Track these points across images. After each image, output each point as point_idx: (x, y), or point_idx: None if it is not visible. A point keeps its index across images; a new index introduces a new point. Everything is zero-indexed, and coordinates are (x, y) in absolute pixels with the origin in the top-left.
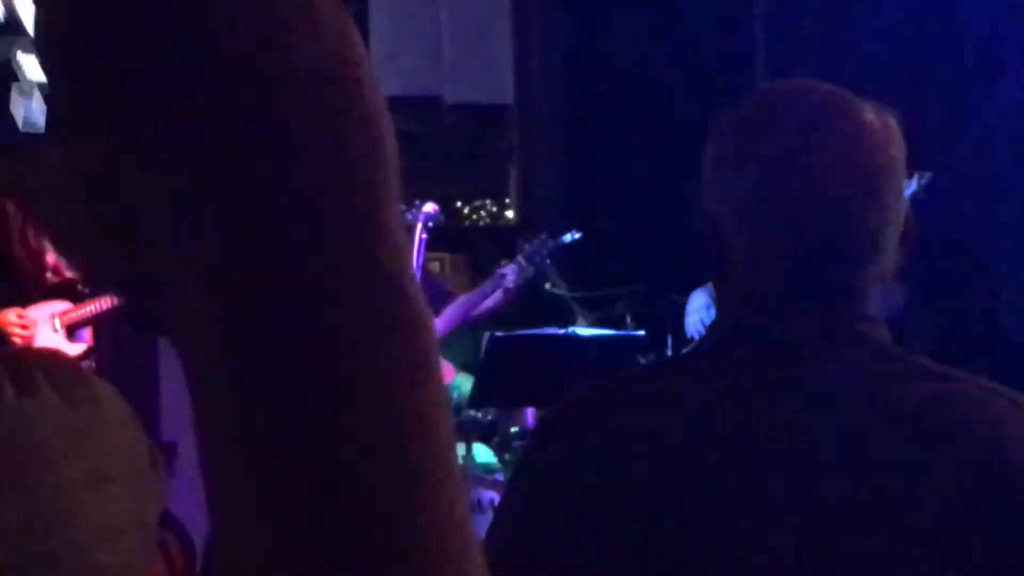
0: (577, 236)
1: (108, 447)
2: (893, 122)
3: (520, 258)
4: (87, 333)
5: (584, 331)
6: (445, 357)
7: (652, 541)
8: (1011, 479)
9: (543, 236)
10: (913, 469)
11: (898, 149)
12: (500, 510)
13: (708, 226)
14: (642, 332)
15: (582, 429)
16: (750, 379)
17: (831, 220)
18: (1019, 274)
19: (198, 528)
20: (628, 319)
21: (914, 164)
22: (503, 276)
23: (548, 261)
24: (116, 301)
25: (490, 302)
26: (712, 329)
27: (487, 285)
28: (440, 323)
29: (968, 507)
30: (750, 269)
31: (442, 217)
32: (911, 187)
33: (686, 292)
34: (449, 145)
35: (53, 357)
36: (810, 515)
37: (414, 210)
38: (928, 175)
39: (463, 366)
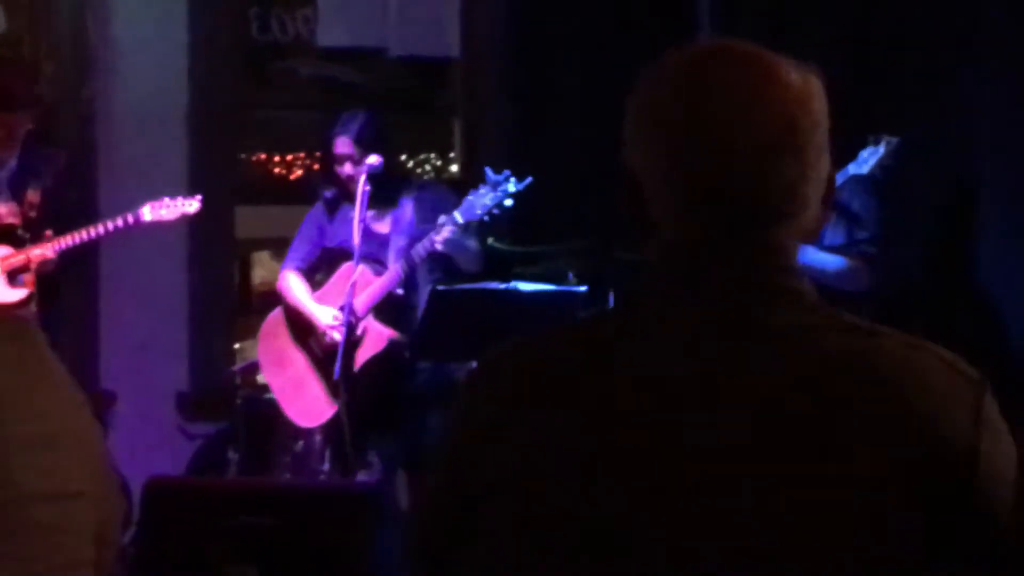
0: (521, 186)
1: (54, 411)
2: (816, 80)
3: (456, 214)
4: (27, 279)
5: (526, 286)
6: (382, 321)
7: (578, 496)
8: (932, 433)
9: (483, 189)
10: (837, 421)
11: (820, 106)
12: (429, 468)
13: (628, 183)
14: (584, 288)
15: (509, 384)
16: (676, 334)
17: (747, 177)
18: (995, 240)
19: (133, 473)
20: (571, 275)
21: (882, 129)
22: (432, 239)
23: (487, 218)
24: (53, 248)
25: (414, 259)
26: (637, 284)
27: (419, 248)
28: (374, 293)
29: (890, 461)
30: (670, 225)
31: (384, 170)
32: (877, 152)
33: (629, 249)
34: (393, 97)
35: (7, 317)
36: (735, 467)
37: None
38: (895, 140)
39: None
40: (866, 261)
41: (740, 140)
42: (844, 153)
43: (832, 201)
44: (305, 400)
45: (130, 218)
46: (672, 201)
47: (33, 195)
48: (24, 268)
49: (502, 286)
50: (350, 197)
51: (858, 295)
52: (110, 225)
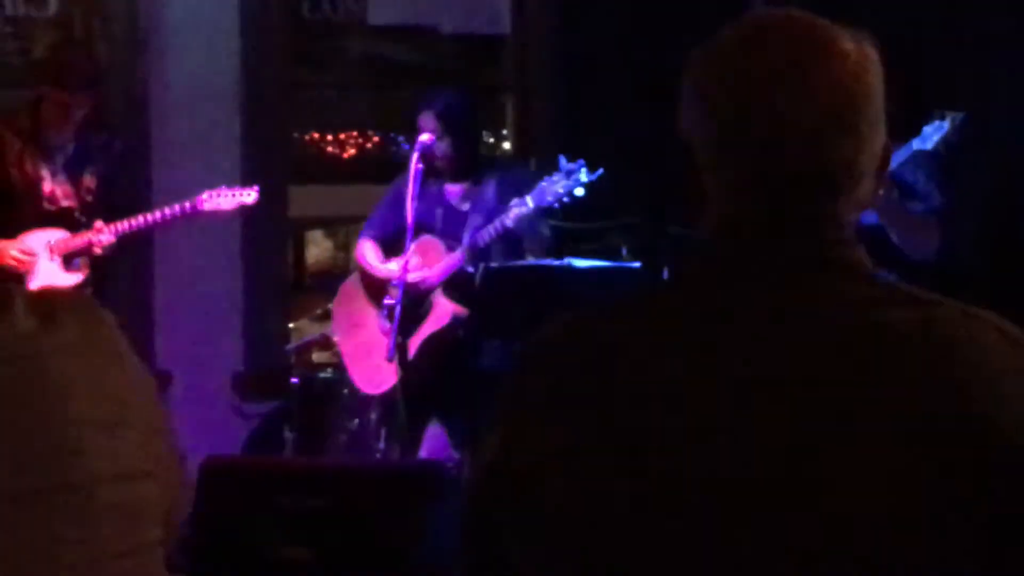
0: (594, 177)
1: (125, 394)
2: (872, 50)
3: (528, 198)
4: (82, 263)
5: (580, 263)
6: (450, 297)
7: (635, 470)
8: (989, 404)
9: (557, 177)
10: (893, 395)
11: (875, 77)
12: (482, 439)
13: (684, 156)
14: (638, 264)
15: (560, 360)
16: (735, 309)
17: (801, 152)
18: None
19: (190, 453)
20: (624, 251)
21: (946, 105)
22: (502, 220)
23: (557, 205)
24: (111, 232)
25: (486, 238)
26: (692, 258)
27: (489, 228)
28: (444, 268)
29: (946, 437)
30: (724, 199)
31: (439, 148)
32: (942, 129)
33: (682, 224)
34: (445, 75)
35: (79, 298)
36: (800, 440)
37: (411, 141)
38: (960, 116)
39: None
40: (932, 227)
41: (794, 116)
42: (908, 127)
43: (886, 172)
44: (371, 367)
45: (188, 206)
46: (726, 176)
47: (89, 179)
48: (82, 252)
49: (556, 263)
50: (433, 172)
51: (920, 264)
52: (167, 212)
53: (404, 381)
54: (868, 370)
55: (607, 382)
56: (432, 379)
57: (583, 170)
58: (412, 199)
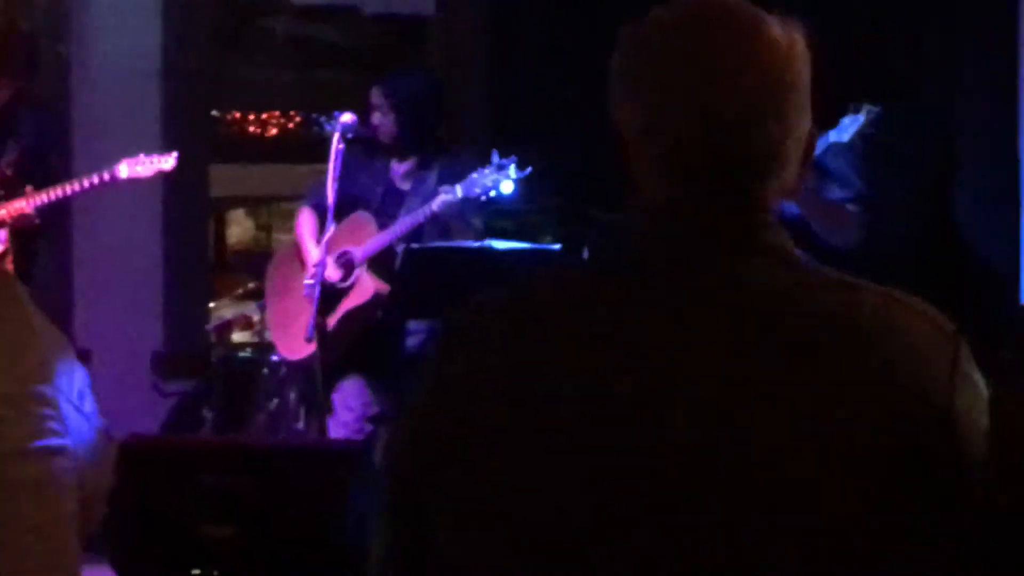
0: (523, 174)
1: (37, 368)
2: (800, 37)
3: (457, 187)
4: (2, 235)
5: (500, 244)
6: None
7: (560, 448)
8: (911, 387)
9: (487, 170)
10: (817, 378)
11: (803, 64)
12: (399, 414)
13: (612, 138)
14: (558, 246)
15: (487, 335)
16: (660, 290)
17: (727, 139)
18: (974, 203)
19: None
20: (545, 234)
21: (865, 97)
22: (429, 206)
23: (484, 198)
24: (30, 204)
25: (412, 222)
26: (615, 240)
27: (417, 213)
28: (370, 246)
29: (870, 417)
30: (650, 184)
31: (361, 128)
32: (858, 121)
33: (604, 207)
34: (369, 56)
35: None
36: (722, 419)
37: (332, 121)
38: (876, 109)
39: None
40: (853, 216)
41: (720, 100)
42: (825, 119)
43: (811, 158)
44: (292, 333)
45: (106, 175)
46: (653, 161)
47: (12, 152)
48: (0, 223)
49: (476, 244)
50: (382, 149)
51: (843, 251)
52: (86, 182)
53: (322, 355)
54: (793, 353)
55: (527, 359)
56: (349, 354)
57: (512, 167)
58: (334, 179)
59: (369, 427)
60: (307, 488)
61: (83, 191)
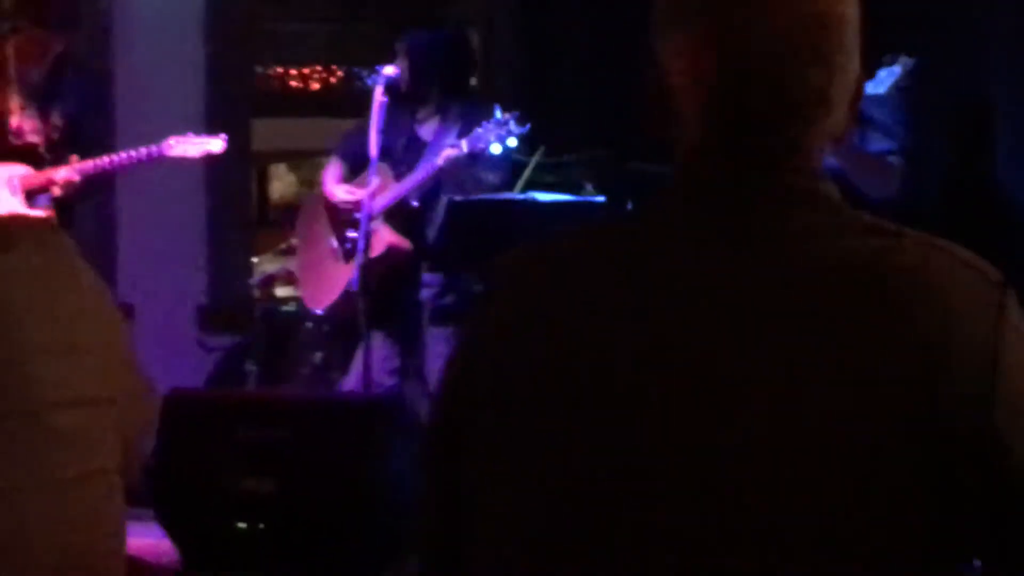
0: (523, 130)
1: (82, 321)
2: None
3: (463, 142)
4: (46, 198)
5: (543, 196)
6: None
7: (592, 391)
8: (951, 332)
9: (490, 125)
10: (851, 323)
11: (851, 7)
12: (447, 361)
13: (656, 82)
14: (602, 198)
15: (526, 284)
16: (698, 237)
17: (774, 77)
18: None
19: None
20: (588, 186)
21: (899, 49)
22: (434, 159)
23: (490, 153)
24: (75, 171)
25: (421, 176)
26: (663, 187)
27: (426, 167)
28: (384, 199)
29: (906, 364)
30: (693, 128)
31: (403, 80)
32: (894, 73)
33: (646, 159)
34: (409, 9)
35: (40, 223)
36: (746, 371)
37: (374, 75)
38: (911, 61)
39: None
40: (894, 168)
41: (763, 43)
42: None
43: (859, 104)
44: (318, 284)
45: (155, 150)
46: (695, 103)
47: (57, 117)
48: (44, 188)
49: (519, 196)
50: (406, 102)
51: (883, 203)
52: (133, 155)
53: (342, 304)
54: (828, 297)
55: (570, 304)
56: (369, 309)
57: (512, 122)
58: (377, 132)
59: (392, 381)
60: (346, 441)
61: (130, 163)
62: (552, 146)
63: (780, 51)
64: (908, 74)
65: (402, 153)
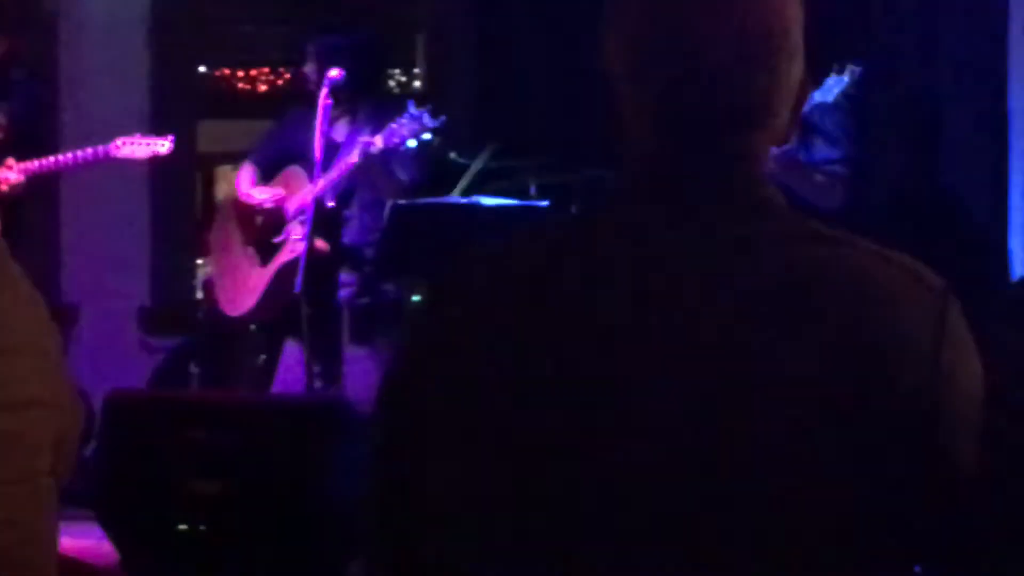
0: (437, 123)
1: (15, 321)
2: None
3: (377, 137)
4: None
5: (488, 200)
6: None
7: (536, 403)
8: (893, 343)
9: (404, 120)
10: (798, 331)
11: (794, 10)
12: (392, 362)
13: (604, 87)
14: (547, 202)
15: (486, 281)
16: (647, 240)
17: (715, 86)
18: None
19: (95, 387)
20: (533, 190)
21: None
22: (348, 158)
23: (403, 149)
24: (20, 171)
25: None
26: (607, 192)
27: (340, 165)
28: (300, 199)
29: (849, 374)
30: (640, 134)
31: (347, 84)
32: (842, 82)
33: (593, 164)
34: (358, 11)
35: None
36: (695, 373)
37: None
38: (858, 69)
39: None
40: (838, 179)
41: (711, 47)
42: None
43: (802, 109)
44: (234, 287)
45: (101, 151)
46: (640, 109)
47: (2, 117)
48: None
49: (464, 200)
50: (313, 106)
51: (830, 213)
52: (79, 155)
53: (261, 305)
54: (773, 304)
55: (522, 304)
56: (287, 313)
57: (426, 115)
58: (321, 135)
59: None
60: (292, 442)
61: (75, 164)
62: (499, 151)
63: (724, 57)
64: (856, 82)
65: (319, 154)
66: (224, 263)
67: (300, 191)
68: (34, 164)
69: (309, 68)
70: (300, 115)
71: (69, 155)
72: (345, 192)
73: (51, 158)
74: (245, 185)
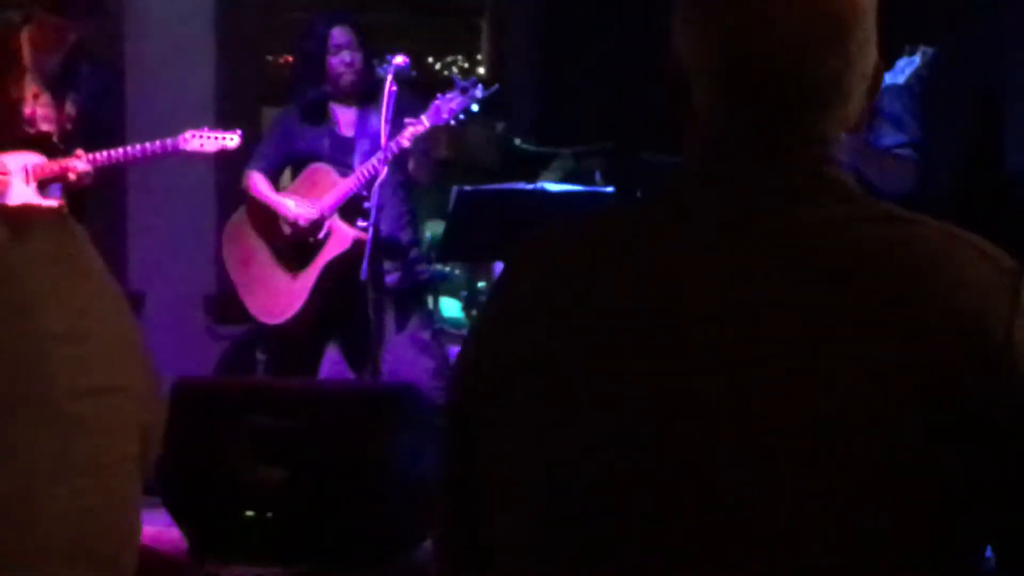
0: (491, 91)
1: (95, 309)
2: None
3: (424, 117)
4: (58, 189)
5: (553, 186)
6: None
7: (607, 375)
8: (967, 322)
9: (451, 95)
10: (868, 313)
11: None
12: (466, 340)
13: (672, 71)
14: (611, 188)
15: (552, 262)
16: (710, 225)
17: (789, 66)
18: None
19: (163, 374)
20: (598, 176)
21: (917, 39)
22: (399, 140)
23: (453, 123)
24: (89, 161)
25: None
26: (679, 173)
27: (390, 148)
28: (337, 195)
29: (923, 354)
30: (712, 114)
31: (412, 71)
32: (914, 63)
33: (657, 150)
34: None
35: (53, 214)
36: (763, 358)
37: (385, 65)
38: (930, 51)
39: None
40: (910, 163)
41: (781, 29)
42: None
43: (877, 93)
44: (268, 296)
45: (169, 144)
46: (712, 91)
47: (71, 107)
48: (58, 179)
49: (529, 186)
50: (337, 97)
51: (900, 197)
52: (148, 148)
53: (310, 305)
54: (843, 284)
55: (588, 286)
56: (338, 302)
57: (478, 87)
58: (386, 122)
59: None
60: (356, 429)
61: (143, 156)
62: (563, 136)
63: (798, 40)
64: (927, 64)
65: (329, 152)
66: (248, 275)
67: (331, 188)
68: (103, 155)
69: (342, 42)
70: (290, 118)
71: (138, 147)
72: (370, 179)
73: (119, 150)
74: (265, 190)
